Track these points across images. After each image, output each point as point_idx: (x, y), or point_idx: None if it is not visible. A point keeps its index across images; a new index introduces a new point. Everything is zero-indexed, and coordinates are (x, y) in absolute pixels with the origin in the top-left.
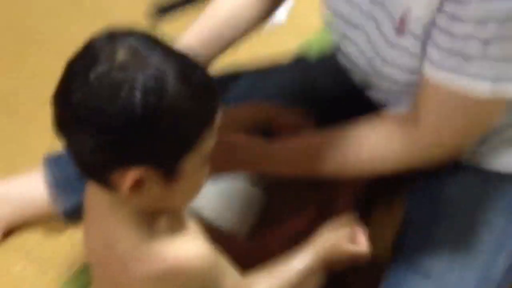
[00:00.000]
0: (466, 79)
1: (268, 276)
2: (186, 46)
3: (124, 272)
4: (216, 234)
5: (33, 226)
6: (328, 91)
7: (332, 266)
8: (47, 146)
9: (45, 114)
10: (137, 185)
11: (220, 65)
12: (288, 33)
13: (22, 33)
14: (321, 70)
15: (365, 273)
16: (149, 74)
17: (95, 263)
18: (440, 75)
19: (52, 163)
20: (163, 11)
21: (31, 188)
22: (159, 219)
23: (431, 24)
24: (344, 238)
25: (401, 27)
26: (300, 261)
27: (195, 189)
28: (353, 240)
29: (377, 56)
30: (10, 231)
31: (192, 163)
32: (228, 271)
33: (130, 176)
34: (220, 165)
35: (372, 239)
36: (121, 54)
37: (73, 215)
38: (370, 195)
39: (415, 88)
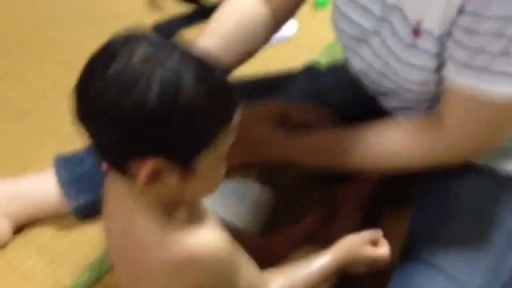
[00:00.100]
0: (489, 79)
1: (287, 273)
2: (204, 49)
3: (142, 260)
4: (227, 231)
5: (44, 222)
6: (338, 99)
7: (352, 268)
8: (54, 150)
9: (52, 119)
10: (154, 176)
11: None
12: (297, 47)
13: (31, 44)
14: (331, 79)
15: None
16: (167, 70)
17: (114, 251)
18: (463, 78)
19: (63, 162)
20: (161, 30)
21: (42, 186)
22: (178, 210)
23: (452, 24)
24: (365, 241)
25: (417, 29)
26: (321, 261)
27: (212, 185)
28: (374, 244)
29: (394, 59)
30: (21, 227)
31: (208, 160)
32: (245, 265)
33: (146, 166)
34: (246, 156)
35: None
36: (140, 52)
37: (84, 212)
38: (376, 201)
39: (431, 92)
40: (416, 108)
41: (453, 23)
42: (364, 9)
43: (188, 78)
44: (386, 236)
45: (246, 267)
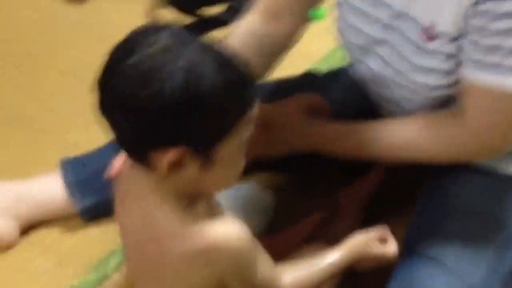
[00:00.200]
0: (507, 74)
1: (298, 267)
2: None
3: (161, 251)
4: None
5: (50, 223)
6: (338, 104)
7: (360, 265)
8: (57, 157)
9: (56, 126)
10: (176, 165)
11: None
12: (296, 57)
13: (35, 55)
14: (330, 84)
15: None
16: (189, 60)
17: (131, 247)
18: (479, 74)
19: (69, 165)
20: None
21: (48, 188)
22: (197, 202)
23: (465, 24)
24: (374, 239)
25: (430, 32)
26: (331, 258)
27: (231, 175)
28: (382, 242)
29: (407, 65)
30: (28, 229)
31: (227, 149)
32: (262, 257)
33: (169, 156)
34: (273, 144)
35: None
36: (161, 43)
37: (90, 214)
38: (377, 202)
39: (443, 97)
40: (418, 114)
41: (466, 23)
42: (371, 18)
43: (209, 67)
44: None
45: (263, 259)
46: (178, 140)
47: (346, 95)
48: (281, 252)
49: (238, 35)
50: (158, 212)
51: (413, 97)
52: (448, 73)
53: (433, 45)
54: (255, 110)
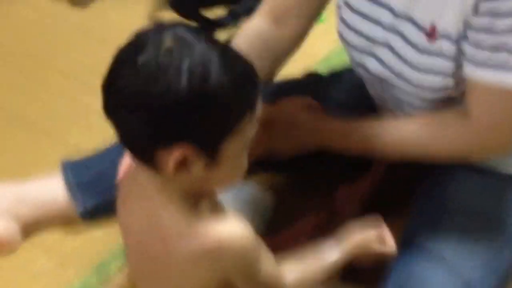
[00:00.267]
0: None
1: (300, 265)
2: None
3: (166, 251)
4: None
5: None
6: (341, 105)
7: (359, 262)
8: (58, 159)
9: (57, 128)
10: (182, 164)
11: None
12: (298, 57)
13: (35, 57)
14: (334, 84)
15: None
16: (195, 59)
17: (135, 244)
18: (485, 74)
19: (70, 166)
20: None
21: (49, 189)
22: (201, 201)
23: (467, 24)
24: (373, 237)
25: (432, 33)
26: (330, 255)
27: (235, 174)
28: (381, 240)
29: (409, 67)
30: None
31: (232, 147)
32: (265, 256)
33: (175, 154)
34: (282, 140)
35: None
36: (168, 42)
37: (91, 215)
38: (377, 201)
39: (444, 99)
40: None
41: (469, 23)
42: (372, 20)
43: (215, 66)
44: None
45: (266, 257)
46: (184, 138)
47: (349, 96)
48: (281, 252)
49: (244, 37)
50: (164, 212)
51: (413, 98)
52: (449, 74)
53: (435, 46)
54: (260, 108)
